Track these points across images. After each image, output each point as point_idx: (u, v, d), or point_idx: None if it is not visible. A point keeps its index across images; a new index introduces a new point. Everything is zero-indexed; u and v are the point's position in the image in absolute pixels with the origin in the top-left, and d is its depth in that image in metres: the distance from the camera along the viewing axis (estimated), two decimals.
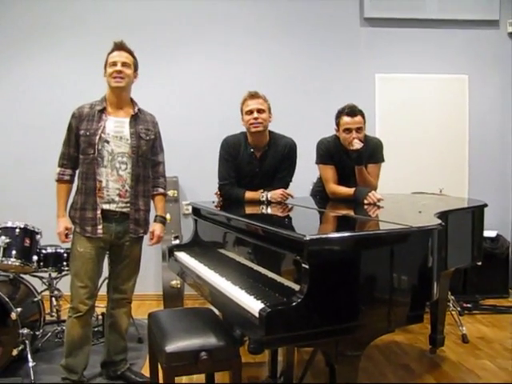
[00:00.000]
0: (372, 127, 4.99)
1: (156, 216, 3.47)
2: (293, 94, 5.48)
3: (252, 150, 3.61)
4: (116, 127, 3.21)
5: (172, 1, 5.46)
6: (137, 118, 3.29)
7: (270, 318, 1.91)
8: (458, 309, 4.60)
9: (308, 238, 1.99)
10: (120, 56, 3.21)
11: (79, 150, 3.21)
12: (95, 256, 3.22)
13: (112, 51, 3.23)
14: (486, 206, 3.63)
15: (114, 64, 3.18)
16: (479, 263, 3.75)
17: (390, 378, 3.53)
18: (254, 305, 2.09)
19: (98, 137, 3.15)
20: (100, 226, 3.18)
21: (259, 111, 3.51)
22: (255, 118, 3.49)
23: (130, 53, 3.27)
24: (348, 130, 3.63)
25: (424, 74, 5.61)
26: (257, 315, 1.98)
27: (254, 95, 3.55)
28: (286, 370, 2.97)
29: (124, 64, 3.20)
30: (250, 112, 3.52)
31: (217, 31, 5.48)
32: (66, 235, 3.25)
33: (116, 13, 5.38)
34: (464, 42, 5.68)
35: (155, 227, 3.43)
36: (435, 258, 2.32)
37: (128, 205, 3.24)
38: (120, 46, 3.24)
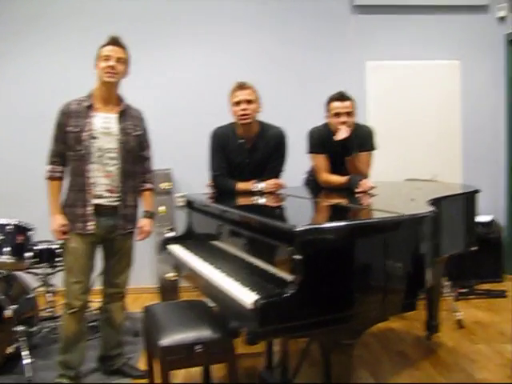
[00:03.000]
0: (363, 115, 4.98)
1: (144, 211, 3.47)
2: (283, 83, 5.47)
3: (242, 140, 3.59)
4: (104, 123, 3.19)
5: None
6: (124, 113, 3.27)
7: (264, 309, 1.90)
8: (454, 294, 4.63)
9: (299, 229, 1.99)
10: (114, 51, 3.17)
11: (68, 146, 3.19)
12: (87, 251, 3.21)
13: (106, 45, 3.19)
14: (478, 191, 3.63)
15: (108, 59, 3.15)
16: (474, 249, 3.76)
17: (386, 365, 3.55)
18: (247, 296, 2.09)
19: (86, 133, 3.13)
20: (91, 223, 3.17)
21: (247, 102, 3.47)
22: (243, 110, 3.46)
23: (124, 48, 3.24)
24: (338, 115, 3.63)
25: (415, 60, 5.60)
26: (251, 307, 1.97)
27: (242, 86, 3.51)
28: (282, 361, 2.98)
29: (118, 59, 3.17)
30: (238, 103, 3.48)
31: (206, 22, 5.45)
32: (62, 232, 3.22)
33: (104, 7, 5.34)
34: (455, 27, 5.67)
35: (144, 222, 3.43)
36: (428, 246, 2.33)
37: (118, 199, 3.23)
38: (115, 41, 3.20)
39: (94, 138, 3.15)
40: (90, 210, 3.17)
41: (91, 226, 3.17)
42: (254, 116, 3.51)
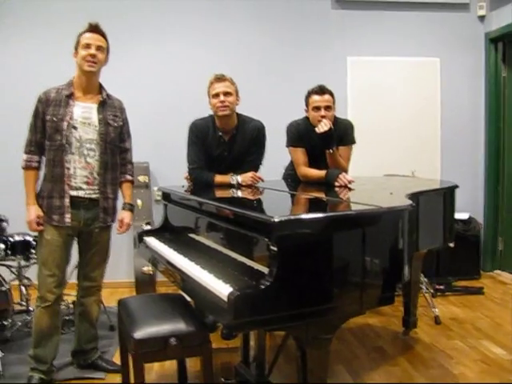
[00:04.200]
0: (344, 110, 4.99)
1: (124, 203, 3.41)
2: (264, 77, 5.44)
3: (220, 133, 3.56)
4: (84, 113, 3.12)
5: None
6: (105, 103, 3.21)
7: (239, 301, 1.87)
8: (431, 291, 4.65)
9: (276, 220, 1.96)
10: (94, 39, 3.09)
11: (46, 135, 3.11)
12: (63, 244, 3.15)
13: (86, 32, 3.10)
14: (456, 187, 3.64)
15: (88, 46, 3.07)
16: (451, 245, 3.77)
17: (364, 361, 3.55)
18: (222, 289, 2.06)
19: (65, 123, 3.06)
20: (68, 215, 3.10)
21: (226, 94, 3.44)
22: (221, 102, 3.43)
23: (104, 36, 3.16)
24: (317, 108, 3.62)
25: (396, 56, 5.61)
26: (225, 299, 1.94)
27: (220, 78, 3.48)
28: (258, 355, 2.95)
29: (98, 48, 3.10)
30: (217, 95, 3.45)
31: (188, 15, 5.40)
32: (38, 223, 3.14)
33: None
34: (436, 24, 5.69)
35: (124, 215, 3.38)
36: (406, 239, 2.32)
37: (96, 191, 3.17)
38: (95, 28, 3.12)
39: (74, 127, 3.08)
40: (67, 201, 3.10)
41: (68, 218, 3.11)
42: (232, 108, 3.48)
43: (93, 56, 3.07)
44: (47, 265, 3.12)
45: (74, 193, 3.11)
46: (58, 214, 3.11)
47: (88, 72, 3.11)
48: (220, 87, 3.45)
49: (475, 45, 5.76)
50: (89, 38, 3.09)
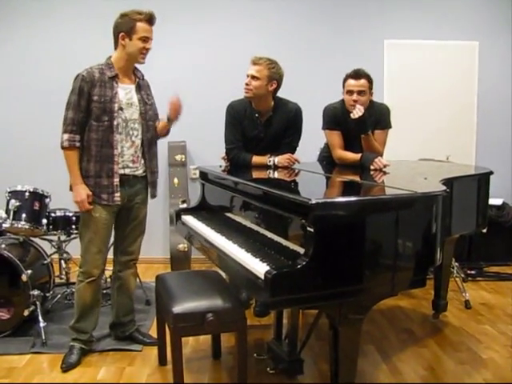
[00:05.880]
0: (380, 93, 4.96)
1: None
2: (301, 60, 5.43)
3: (257, 114, 3.61)
4: (127, 94, 3.21)
5: None
6: (139, 84, 3.31)
7: (276, 280, 1.95)
8: (462, 275, 4.66)
9: (313, 202, 2.02)
10: (151, 32, 3.18)
11: (89, 115, 3.14)
12: (109, 221, 3.26)
13: (144, 21, 3.12)
14: (491, 173, 3.63)
15: (146, 40, 3.15)
16: (484, 230, 3.78)
17: (393, 342, 3.60)
18: (259, 267, 2.13)
19: (115, 104, 3.13)
20: (117, 194, 3.19)
21: (253, 78, 3.48)
22: (246, 84, 3.50)
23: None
24: (350, 92, 3.63)
25: (433, 40, 5.54)
26: (262, 277, 2.02)
27: (254, 61, 3.52)
28: (290, 333, 3.02)
29: (151, 41, 3.20)
30: (247, 76, 3.52)
31: None
32: (88, 203, 3.18)
33: None
34: (475, 7, 5.60)
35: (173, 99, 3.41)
36: (439, 224, 2.35)
37: (140, 168, 3.29)
38: (153, 21, 3.18)
39: (121, 109, 3.17)
40: (116, 181, 3.18)
41: (118, 197, 3.20)
42: (256, 92, 3.50)
43: (148, 50, 3.18)
44: (95, 242, 3.20)
45: (121, 171, 3.21)
46: (107, 193, 3.18)
47: (139, 63, 3.23)
48: (250, 70, 3.51)
49: None
50: (147, 30, 3.16)
